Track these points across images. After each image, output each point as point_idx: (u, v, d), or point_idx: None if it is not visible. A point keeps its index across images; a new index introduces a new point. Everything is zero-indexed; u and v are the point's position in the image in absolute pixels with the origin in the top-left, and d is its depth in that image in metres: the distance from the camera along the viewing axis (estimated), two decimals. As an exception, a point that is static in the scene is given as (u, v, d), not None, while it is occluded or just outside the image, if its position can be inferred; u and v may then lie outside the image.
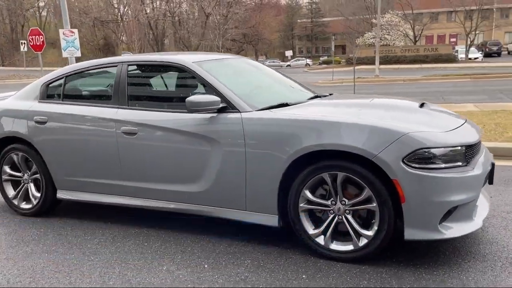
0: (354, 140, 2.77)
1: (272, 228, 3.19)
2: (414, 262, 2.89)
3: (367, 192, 2.80)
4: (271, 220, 3.16)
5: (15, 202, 4.25)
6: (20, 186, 4.24)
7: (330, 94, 4.04)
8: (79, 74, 4.09)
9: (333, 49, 28.83)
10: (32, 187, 4.18)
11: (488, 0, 37.51)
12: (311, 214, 3.07)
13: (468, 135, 2.99)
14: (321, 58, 66.32)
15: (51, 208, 4.17)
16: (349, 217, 2.92)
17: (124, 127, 3.56)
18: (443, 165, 2.72)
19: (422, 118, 3.12)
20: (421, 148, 2.68)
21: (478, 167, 2.86)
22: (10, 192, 4.29)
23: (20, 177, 4.24)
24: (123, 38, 54.28)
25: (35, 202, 4.15)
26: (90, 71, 4.06)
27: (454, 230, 2.76)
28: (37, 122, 3.97)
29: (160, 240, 3.46)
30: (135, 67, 3.81)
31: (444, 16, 55.06)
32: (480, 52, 39.38)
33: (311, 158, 2.94)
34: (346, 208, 2.92)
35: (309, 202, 3.01)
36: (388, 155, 2.69)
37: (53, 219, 4.08)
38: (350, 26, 47.75)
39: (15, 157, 4.17)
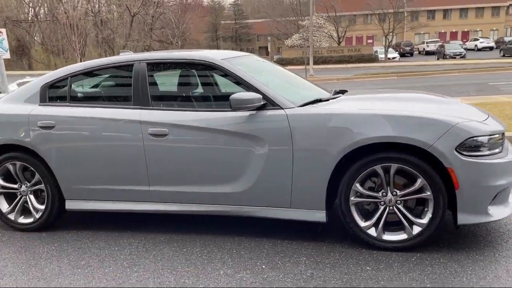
0: (410, 132, 2.87)
1: (311, 224, 3.22)
2: (459, 246, 3.07)
3: (421, 182, 2.92)
4: (318, 215, 3.17)
5: (11, 217, 3.84)
6: (17, 199, 3.84)
7: (346, 91, 4.13)
8: (87, 74, 3.79)
9: (269, 49, 29.27)
10: (32, 199, 3.80)
11: (400, 4, 40.35)
12: (360, 207, 3.13)
13: (498, 124, 3.23)
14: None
15: (54, 221, 3.82)
16: (401, 207, 3.02)
17: (153, 129, 3.37)
18: (487, 152, 2.91)
19: (457, 110, 3.31)
20: (471, 137, 2.86)
21: (510, 153, 3.11)
22: (4, 206, 3.87)
23: (16, 189, 3.83)
24: (37, 38, 50.70)
25: (37, 216, 3.78)
26: (99, 71, 3.78)
27: (498, 213, 2.97)
28: (42, 127, 3.61)
29: (198, 245, 3.33)
30: (155, 65, 3.61)
31: (361, 18, 58.19)
32: (396, 52, 42.30)
33: (361, 152, 3.00)
34: (397, 199, 3.02)
35: (360, 195, 3.07)
36: (442, 145, 2.83)
37: (59, 232, 3.75)
38: (278, 27, 48.77)
39: (11, 167, 3.76)
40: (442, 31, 59.98)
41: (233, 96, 3.11)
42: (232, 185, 3.29)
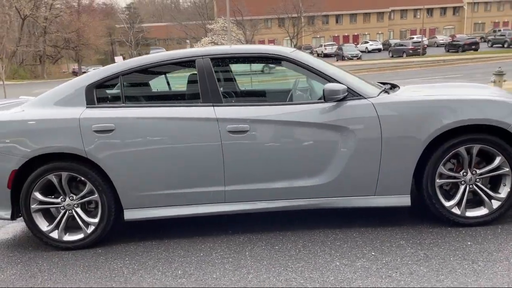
0: (492, 114, 3.14)
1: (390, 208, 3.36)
2: (523, 215, 3.42)
3: (500, 160, 3.20)
4: (403, 200, 3.30)
5: (54, 235, 3.39)
6: (61, 215, 3.40)
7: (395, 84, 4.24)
8: (141, 71, 3.48)
9: None
10: (80, 213, 3.40)
11: (304, 9, 42.57)
12: (440, 188, 3.33)
13: None
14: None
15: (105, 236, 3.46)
16: (480, 184, 3.29)
17: (232, 126, 3.22)
18: None
19: (503, 93, 3.66)
20: None
21: None
22: (43, 224, 3.41)
23: (58, 203, 3.39)
24: None
25: (89, 231, 3.39)
26: (155, 68, 3.51)
27: None
28: (98, 131, 3.25)
29: (289, 241, 3.26)
30: (220, 60, 3.46)
31: (263, 23, 60.03)
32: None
33: (445, 136, 3.20)
34: (477, 177, 3.28)
35: (444, 177, 3.27)
36: None
37: (114, 245, 3.41)
38: (186, 31, 48.20)
39: (54, 179, 3.32)
40: (336, 35, 64.30)
41: (326, 86, 3.12)
42: (318, 177, 3.28)
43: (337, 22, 65.05)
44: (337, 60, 40.54)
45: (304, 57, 3.43)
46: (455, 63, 26.05)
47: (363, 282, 2.63)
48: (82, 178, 3.32)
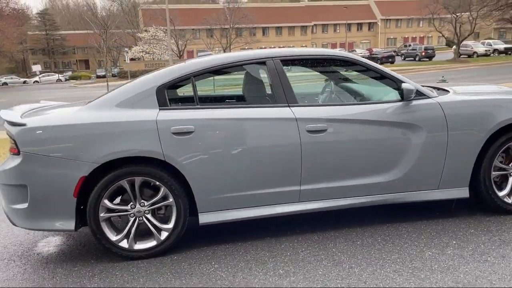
0: None
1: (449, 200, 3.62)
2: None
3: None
4: (462, 192, 3.56)
5: (123, 244, 3.19)
6: (131, 223, 3.20)
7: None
8: (212, 72, 3.41)
9: (128, 61, 27.61)
10: (151, 219, 3.23)
11: (236, 20, 43.20)
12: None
13: None
14: (65, 74, 61.91)
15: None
16: (521, 173, 3.65)
17: (310, 125, 3.27)
18: None
19: None
20: None
21: None
22: (111, 234, 3.18)
23: (126, 211, 3.20)
24: None
25: (163, 237, 3.22)
26: (225, 69, 3.47)
27: None
28: (177, 133, 3.12)
29: (365, 237, 3.36)
30: (289, 61, 3.50)
31: (191, 33, 59.83)
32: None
33: (499, 132, 3.51)
34: (515, 167, 3.63)
35: (496, 169, 3.58)
36: None
37: (179, 253, 3.28)
38: (116, 40, 46.41)
39: (126, 185, 3.13)
40: (263, 47, 65.85)
41: (404, 86, 3.31)
42: (389, 174, 3.43)
43: (263, 34, 66.66)
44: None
45: (367, 61, 3.59)
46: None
47: (467, 267, 2.81)
48: (157, 183, 3.16)
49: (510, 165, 3.62)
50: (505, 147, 3.54)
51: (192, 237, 3.52)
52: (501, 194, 3.60)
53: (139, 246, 3.23)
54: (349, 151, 3.36)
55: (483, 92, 4.02)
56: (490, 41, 47.96)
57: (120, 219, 3.32)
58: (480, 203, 3.69)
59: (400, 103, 3.40)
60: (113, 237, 3.18)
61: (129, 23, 46.98)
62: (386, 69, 3.57)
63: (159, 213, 3.32)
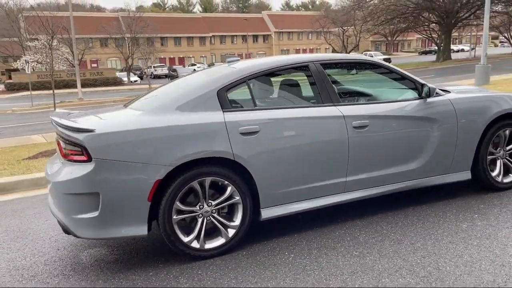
0: None
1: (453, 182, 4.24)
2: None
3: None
4: (465, 175, 4.18)
5: (195, 245, 3.21)
6: (200, 223, 3.24)
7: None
8: (266, 75, 3.62)
9: (28, 71, 25.09)
10: (218, 218, 3.29)
11: (138, 30, 42.09)
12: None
13: None
14: None
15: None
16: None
17: (356, 122, 3.62)
18: None
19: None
20: None
21: None
22: (182, 235, 3.19)
23: (195, 211, 3.23)
24: None
25: (231, 235, 3.31)
26: (275, 72, 3.68)
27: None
28: (244, 133, 3.26)
29: (390, 224, 3.78)
30: (328, 65, 3.82)
31: (83, 43, 56.70)
32: (135, 75, 43.77)
33: (493, 122, 4.21)
34: (505, 153, 4.37)
35: (490, 153, 4.27)
36: None
37: (244, 249, 3.40)
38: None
39: (197, 186, 3.18)
40: (162, 57, 64.85)
41: (430, 86, 3.85)
42: (415, 162, 3.90)
43: (162, 44, 65.70)
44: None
45: (389, 65, 4.07)
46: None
47: (503, 232, 3.37)
48: (225, 182, 3.25)
49: (497, 150, 4.34)
50: (496, 135, 4.25)
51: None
52: (493, 174, 4.30)
53: (209, 245, 3.26)
54: (386, 143, 3.77)
55: (475, 91, 4.74)
56: (372, 52, 53.36)
57: (184, 221, 3.31)
58: (477, 183, 4.34)
59: (422, 100, 3.91)
60: (185, 238, 3.19)
61: (14, 31, 42.92)
62: (405, 71, 4.07)
63: (223, 212, 3.39)
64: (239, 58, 4.16)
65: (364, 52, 53.73)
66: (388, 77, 4.10)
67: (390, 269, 2.92)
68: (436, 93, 4.03)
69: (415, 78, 4.03)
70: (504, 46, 64.59)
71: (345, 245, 3.33)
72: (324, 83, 3.67)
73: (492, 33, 59.21)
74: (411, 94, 4.01)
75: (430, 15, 39.94)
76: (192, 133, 3.15)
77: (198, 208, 3.23)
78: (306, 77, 3.77)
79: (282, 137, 3.41)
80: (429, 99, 3.95)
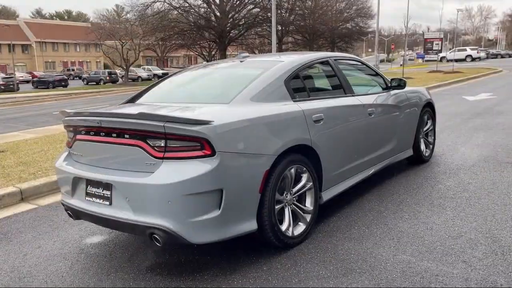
0: (429, 96, 5.53)
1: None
2: None
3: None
4: (410, 152, 5.16)
5: (288, 233, 3.13)
6: (287, 211, 3.18)
7: None
8: (304, 70, 3.75)
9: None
10: (297, 203, 3.28)
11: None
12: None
13: None
14: None
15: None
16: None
17: (370, 109, 4.14)
18: None
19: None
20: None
21: None
22: (283, 223, 3.14)
23: (282, 200, 3.16)
24: None
25: (309, 219, 3.33)
26: (312, 66, 3.95)
27: None
28: (316, 121, 3.39)
29: (395, 205, 4.44)
30: (339, 61, 4.23)
31: None
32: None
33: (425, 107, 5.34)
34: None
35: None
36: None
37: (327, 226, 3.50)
38: None
39: (288, 175, 3.14)
40: None
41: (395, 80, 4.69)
42: (393, 142, 4.65)
43: None
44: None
45: (368, 63, 4.76)
46: (60, 98, 27.46)
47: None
48: (304, 169, 3.27)
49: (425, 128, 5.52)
50: (426, 117, 5.42)
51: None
52: (423, 148, 5.44)
53: (296, 232, 3.22)
54: (382, 127, 4.42)
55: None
56: (150, 67, 54.36)
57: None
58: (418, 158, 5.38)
59: (393, 91, 4.73)
60: (282, 227, 3.08)
61: None
62: (376, 69, 4.83)
63: (293, 198, 3.37)
64: (248, 54, 4.25)
65: (143, 67, 54.18)
66: (368, 73, 4.79)
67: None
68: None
69: (383, 75, 4.83)
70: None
71: (393, 217, 3.77)
72: (341, 76, 4.08)
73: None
74: (381, 87, 4.78)
75: (209, 34, 43.19)
76: (285, 122, 3.12)
77: (285, 196, 3.16)
78: (332, 70, 4.07)
79: (338, 123, 3.69)
80: (395, 91, 4.80)
